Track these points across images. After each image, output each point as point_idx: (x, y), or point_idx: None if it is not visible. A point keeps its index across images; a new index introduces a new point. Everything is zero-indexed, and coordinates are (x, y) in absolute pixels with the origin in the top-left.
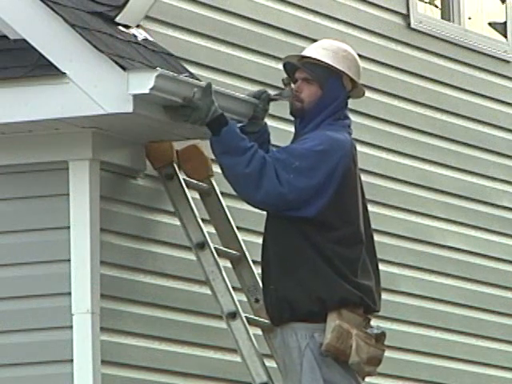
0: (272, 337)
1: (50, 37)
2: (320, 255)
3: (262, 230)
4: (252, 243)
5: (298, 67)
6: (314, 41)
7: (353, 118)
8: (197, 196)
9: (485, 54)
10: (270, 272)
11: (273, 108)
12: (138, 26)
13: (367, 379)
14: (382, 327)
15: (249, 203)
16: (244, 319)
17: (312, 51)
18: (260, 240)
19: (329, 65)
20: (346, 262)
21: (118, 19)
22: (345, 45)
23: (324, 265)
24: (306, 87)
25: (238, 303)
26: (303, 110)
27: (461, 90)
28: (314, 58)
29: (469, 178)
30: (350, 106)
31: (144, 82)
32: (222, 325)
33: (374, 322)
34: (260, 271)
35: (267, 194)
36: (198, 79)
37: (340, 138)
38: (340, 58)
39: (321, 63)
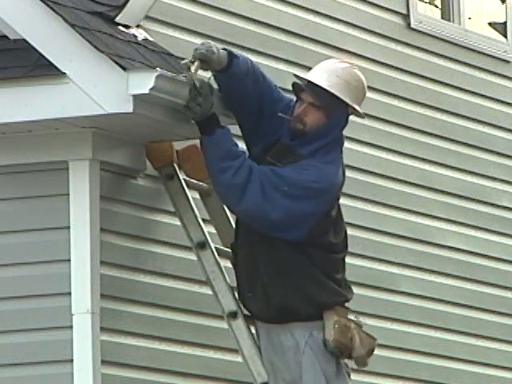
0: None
1: (50, 37)
2: (309, 260)
3: None
4: None
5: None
6: (314, 41)
7: (353, 117)
8: (197, 196)
9: (485, 53)
10: (258, 277)
11: None
12: (138, 26)
13: (368, 379)
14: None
15: (230, 211)
16: (245, 319)
17: (324, 77)
18: None
19: (339, 98)
20: (332, 265)
21: (118, 19)
22: (356, 71)
23: (314, 268)
24: (310, 112)
25: (238, 303)
26: (303, 132)
27: (461, 89)
28: (325, 89)
29: (469, 178)
30: None
31: (144, 82)
32: (222, 325)
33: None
34: (245, 274)
35: (249, 207)
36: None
37: (333, 177)
38: (351, 88)
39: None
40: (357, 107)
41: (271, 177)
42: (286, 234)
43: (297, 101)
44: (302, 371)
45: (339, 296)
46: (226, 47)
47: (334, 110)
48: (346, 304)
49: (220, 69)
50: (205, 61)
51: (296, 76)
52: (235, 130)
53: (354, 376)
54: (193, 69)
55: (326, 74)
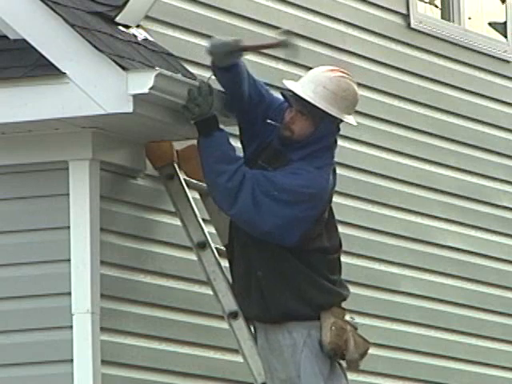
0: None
1: (50, 37)
2: (305, 262)
3: None
4: None
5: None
6: (314, 41)
7: (353, 117)
8: (197, 196)
9: (485, 53)
10: (254, 281)
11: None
12: (138, 26)
13: (368, 379)
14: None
15: (224, 213)
16: (245, 319)
17: (310, 87)
18: None
19: (325, 111)
20: (328, 266)
21: (118, 19)
22: (345, 80)
23: (310, 270)
24: (298, 120)
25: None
26: (291, 139)
27: (461, 89)
28: (312, 104)
29: (469, 178)
30: None
31: (143, 82)
32: (222, 325)
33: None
34: (238, 278)
35: (240, 213)
36: (196, 79)
37: (323, 182)
38: (339, 99)
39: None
40: (345, 118)
41: (262, 182)
42: (279, 241)
43: (288, 107)
44: (300, 371)
45: (337, 296)
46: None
47: (322, 119)
48: (344, 303)
49: (225, 66)
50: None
51: (285, 84)
52: (235, 130)
53: (354, 376)
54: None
55: (313, 84)
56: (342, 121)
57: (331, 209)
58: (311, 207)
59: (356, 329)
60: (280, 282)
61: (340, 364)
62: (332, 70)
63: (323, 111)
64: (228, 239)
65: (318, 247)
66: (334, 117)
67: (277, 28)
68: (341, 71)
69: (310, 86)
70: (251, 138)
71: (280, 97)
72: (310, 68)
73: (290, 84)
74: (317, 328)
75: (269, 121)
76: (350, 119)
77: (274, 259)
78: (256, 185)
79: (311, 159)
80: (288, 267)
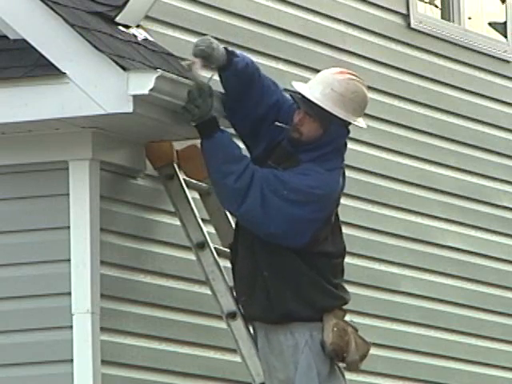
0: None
1: (50, 37)
2: (310, 265)
3: None
4: None
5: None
6: (314, 41)
7: None
8: (197, 196)
9: (485, 53)
10: (258, 282)
11: None
12: (138, 26)
13: (368, 379)
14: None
15: (230, 214)
16: (244, 319)
17: (318, 89)
18: None
19: (332, 113)
20: (331, 270)
21: (117, 19)
22: (354, 82)
23: (315, 273)
24: (307, 122)
25: (237, 303)
26: (300, 141)
27: (461, 89)
28: (319, 106)
29: (469, 177)
30: None
31: (144, 83)
32: (222, 325)
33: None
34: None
35: (247, 213)
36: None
37: (333, 184)
38: (347, 101)
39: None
40: (354, 120)
41: (272, 181)
42: (285, 242)
43: (296, 108)
44: (298, 371)
45: (340, 300)
46: (225, 47)
47: (331, 121)
48: (345, 306)
49: (220, 66)
50: (204, 57)
51: (293, 85)
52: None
53: (354, 376)
54: (195, 68)
55: (321, 86)
56: (350, 123)
57: (337, 212)
58: (319, 209)
59: (356, 330)
60: (285, 283)
61: (339, 366)
62: (341, 73)
63: (330, 113)
64: (234, 238)
65: (322, 251)
66: (342, 119)
67: (277, 28)
68: (350, 73)
69: (318, 87)
70: (259, 139)
71: (289, 97)
72: (311, 68)
73: (298, 85)
74: (319, 329)
75: (276, 123)
76: (360, 122)
77: (280, 260)
78: (265, 184)
79: (321, 161)
80: (293, 269)
